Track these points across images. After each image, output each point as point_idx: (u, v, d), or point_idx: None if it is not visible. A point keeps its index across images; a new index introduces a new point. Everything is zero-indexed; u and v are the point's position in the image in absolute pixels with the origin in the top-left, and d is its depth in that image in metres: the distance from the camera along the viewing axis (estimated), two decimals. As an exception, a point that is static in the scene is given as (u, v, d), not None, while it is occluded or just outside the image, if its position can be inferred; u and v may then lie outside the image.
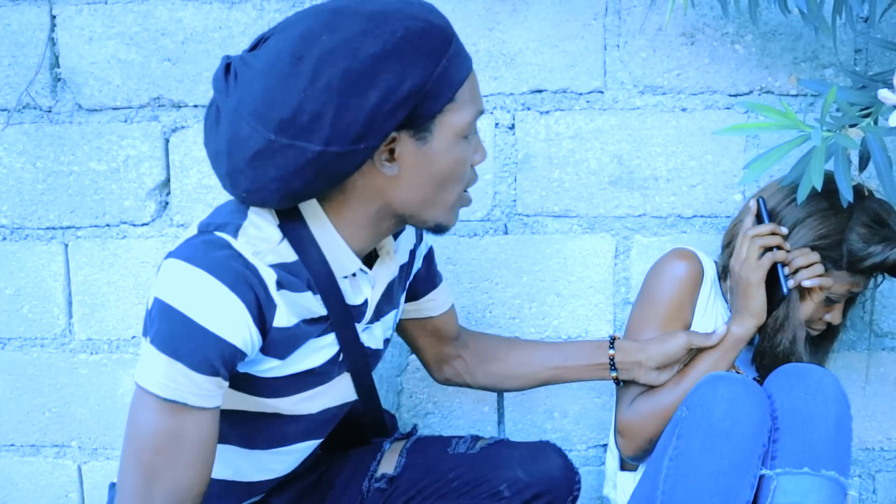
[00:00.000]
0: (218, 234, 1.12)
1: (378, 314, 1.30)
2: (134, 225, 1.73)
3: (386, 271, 1.28)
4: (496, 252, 1.71)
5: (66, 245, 1.75)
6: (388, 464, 1.41)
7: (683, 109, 1.64)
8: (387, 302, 1.32)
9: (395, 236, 1.34)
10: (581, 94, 1.65)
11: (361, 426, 1.44)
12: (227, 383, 1.13)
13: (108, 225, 1.73)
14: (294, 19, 1.11)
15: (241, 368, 1.16)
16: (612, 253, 1.70)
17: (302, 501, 1.41)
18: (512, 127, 1.67)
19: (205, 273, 1.07)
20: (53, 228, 1.74)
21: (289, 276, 1.14)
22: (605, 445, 1.76)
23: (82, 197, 1.72)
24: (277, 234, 1.15)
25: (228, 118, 1.10)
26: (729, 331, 1.43)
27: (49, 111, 1.71)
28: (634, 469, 1.56)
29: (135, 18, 1.66)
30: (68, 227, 1.74)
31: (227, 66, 1.13)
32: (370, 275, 1.25)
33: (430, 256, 1.46)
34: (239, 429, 1.25)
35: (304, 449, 1.33)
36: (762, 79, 1.62)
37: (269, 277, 1.12)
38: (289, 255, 1.15)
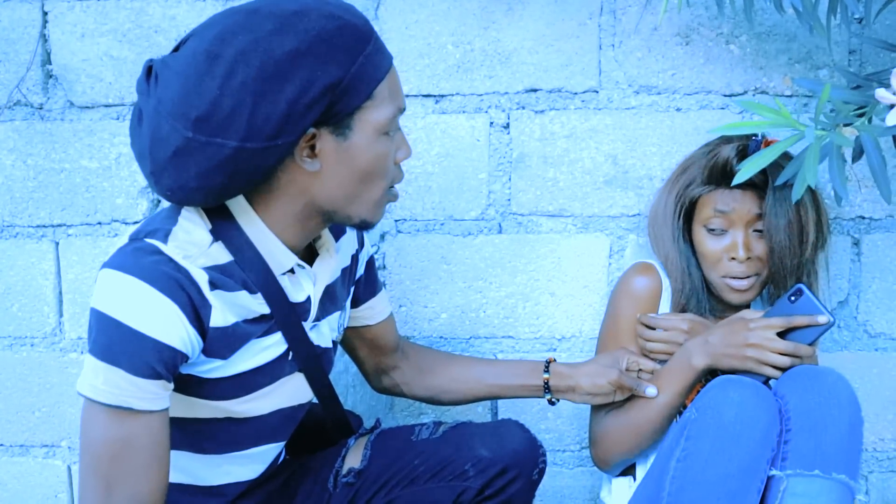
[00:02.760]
0: (148, 240, 1.14)
1: (323, 312, 1.31)
2: (126, 223, 1.71)
3: (326, 268, 1.29)
4: (490, 251, 1.70)
5: (57, 243, 1.73)
6: (354, 458, 1.42)
7: (678, 109, 1.64)
8: (330, 302, 1.33)
9: (337, 237, 1.36)
10: (576, 93, 1.65)
11: (325, 428, 1.46)
12: (171, 385, 1.14)
13: (99, 223, 1.72)
14: (211, 21, 1.14)
15: (186, 370, 1.17)
16: (607, 252, 1.69)
17: None
18: (507, 126, 1.66)
19: (136, 279, 1.10)
20: (44, 226, 1.73)
21: (222, 277, 1.16)
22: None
23: (73, 195, 1.71)
24: (208, 237, 1.17)
25: (149, 118, 1.12)
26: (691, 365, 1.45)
27: (40, 108, 1.69)
28: (630, 474, 1.55)
29: (128, 15, 1.65)
30: (59, 225, 1.73)
31: (149, 69, 1.15)
32: (310, 270, 1.26)
33: (371, 263, 1.48)
34: (192, 435, 1.26)
35: (263, 453, 1.34)
36: (757, 79, 1.63)
37: (202, 279, 1.14)
38: (222, 256, 1.17)
